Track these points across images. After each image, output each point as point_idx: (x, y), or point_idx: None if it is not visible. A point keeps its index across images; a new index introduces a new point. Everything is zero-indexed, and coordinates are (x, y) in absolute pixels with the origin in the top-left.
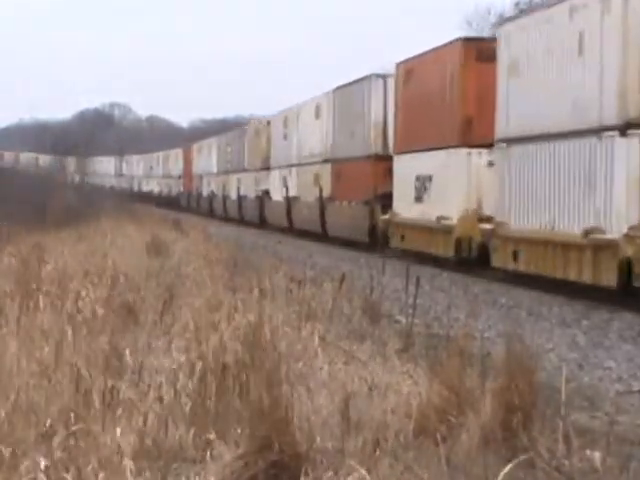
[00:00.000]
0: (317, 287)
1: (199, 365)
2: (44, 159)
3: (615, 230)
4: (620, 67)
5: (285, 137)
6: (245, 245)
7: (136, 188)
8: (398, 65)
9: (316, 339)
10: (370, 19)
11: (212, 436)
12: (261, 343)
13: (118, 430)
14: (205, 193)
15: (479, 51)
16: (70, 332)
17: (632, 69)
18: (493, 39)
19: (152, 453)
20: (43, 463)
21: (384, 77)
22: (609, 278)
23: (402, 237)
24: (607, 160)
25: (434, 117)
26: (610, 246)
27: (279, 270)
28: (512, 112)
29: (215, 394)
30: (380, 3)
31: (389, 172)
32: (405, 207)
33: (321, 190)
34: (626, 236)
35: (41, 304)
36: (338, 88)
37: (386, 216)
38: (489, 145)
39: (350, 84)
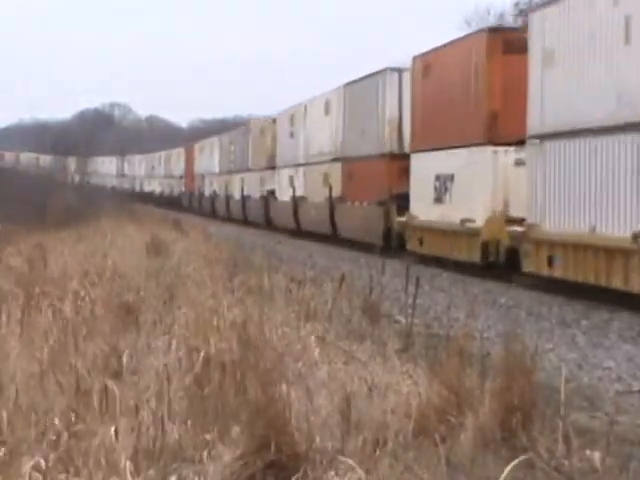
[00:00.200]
0: (317, 287)
1: (198, 365)
2: (44, 159)
3: None
4: None
5: (292, 135)
6: (245, 245)
7: (138, 188)
8: (415, 58)
9: (313, 338)
10: (370, 19)
11: (211, 436)
12: (260, 343)
13: (117, 430)
14: (207, 193)
15: (505, 42)
16: (70, 332)
17: None
18: (519, 28)
19: (151, 453)
20: (43, 463)
21: (399, 71)
22: None
23: (420, 240)
24: None
25: (456, 113)
26: None
27: (279, 270)
28: (547, 106)
29: (214, 394)
30: (380, 3)
31: (405, 171)
32: (424, 209)
33: (331, 190)
34: None
35: (42, 304)
36: (349, 83)
37: (403, 218)
38: (516, 142)
39: (362, 79)
